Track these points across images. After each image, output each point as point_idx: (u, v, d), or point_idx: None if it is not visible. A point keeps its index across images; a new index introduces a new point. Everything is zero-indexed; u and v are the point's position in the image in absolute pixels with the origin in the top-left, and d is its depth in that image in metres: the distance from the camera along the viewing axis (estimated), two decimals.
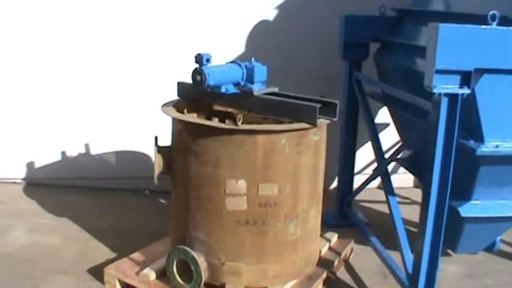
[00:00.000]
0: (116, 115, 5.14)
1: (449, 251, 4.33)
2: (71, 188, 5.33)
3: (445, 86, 3.06)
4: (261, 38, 5.20)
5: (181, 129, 3.48)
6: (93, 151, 5.31)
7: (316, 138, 3.46)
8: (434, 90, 3.06)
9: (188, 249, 3.46)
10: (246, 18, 5.16)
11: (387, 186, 4.06)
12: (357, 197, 4.92)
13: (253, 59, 3.61)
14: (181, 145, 3.49)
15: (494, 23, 3.04)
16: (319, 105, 3.29)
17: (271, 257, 3.47)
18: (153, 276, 3.61)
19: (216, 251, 3.45)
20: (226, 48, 4.97)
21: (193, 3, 5.06)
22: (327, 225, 4.52)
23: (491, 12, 3.03)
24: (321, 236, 4.13)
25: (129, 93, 5.05)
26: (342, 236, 4.30)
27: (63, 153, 5.32)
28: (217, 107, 3.85)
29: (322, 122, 3.41)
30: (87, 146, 5.28)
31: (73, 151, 5.32)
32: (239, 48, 5.18)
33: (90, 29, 5.02)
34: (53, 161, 5.34)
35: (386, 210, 3.99)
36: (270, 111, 3.52)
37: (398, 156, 4.62)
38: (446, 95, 3.08)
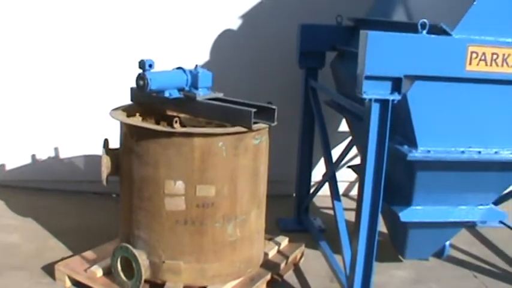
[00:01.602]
0: (84, 120, 5.37)
1: (401, 258, 4.50)
2: (39, 190, 5.57)
3: (375, 92, 3.26)
4: (224, 46, 5.45)
5: (126, 132, 3.72)
6: (62, 155, 5.55)
7: (255, 142, 3.67)
8: (365, 96, 3.26)
9: (130, 247, 3.68)
10: (208, 27, 5.40)
11: (333, 192, 4.25)
12: (324, 204, 5.11)
13: (198, 65, 3.83)
14: (126, 147, 3.72)
15: (424, 31, 3.24)
16: (254, 110, 3.50)
17: (210, 256, 3.68)
18: (100, 273, 3.84)
19: (156, 250, 3.67)
20: (187, 55, 5.19)
21: (155, 11, 5.30)
22: (284, 230, 4.76)
23: (421, 21, 3.24)
24: (271, 239, 4.35)
25: (96, 98, 5.27)
26: (296, 240, 4.49)
27: (32, 156, 5.56)
28: (169, 112, 4.07)
29: (261, 126, 3.62)
30: (56, 149, 5.53)
31: (42, 154, 5.57)
32: (203, 56, 5.43)
33: (56, 34, 5.27)
34: (22, 164, 5.59)
35: (348, 217, 4.15)
36: (211, 115, 3.75)
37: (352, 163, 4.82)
38: (377, 100, 3.29)
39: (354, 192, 4.62)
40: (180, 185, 3.54)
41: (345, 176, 5.40)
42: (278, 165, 5.04)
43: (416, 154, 3.54)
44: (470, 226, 5.33)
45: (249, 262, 3.88)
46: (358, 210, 3.50)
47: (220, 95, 3.88)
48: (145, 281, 3.70)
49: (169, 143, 3.50)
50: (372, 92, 3.26)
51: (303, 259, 4.47)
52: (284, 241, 4.40)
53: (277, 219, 5.07)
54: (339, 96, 4.30)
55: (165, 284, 3.69)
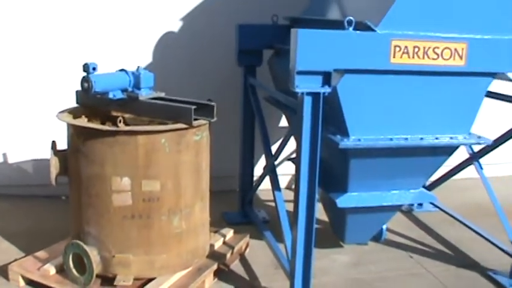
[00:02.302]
0: (31, 124, 5.50)
1: (342, 243, 4.78)
2: None
3: (307, 86, 3.51)
4: (166, 47, 5.66)
5: (72, 133, 3.90)
6: (11, 160, 5.68)
7: (196, 138, 3.90)
8: (297, 90, 3.50)
9: (81, 243, 3.86)
10: (151, 29, 5.60)
11: (274, 183, 4.50)
12: (268, 197, 5.35)
13: (140, 66, 4.03)
14: (73, 148, 3.90)
15: (351, 28, 3.51)
16: (194, 107, 3.73)
17: (158, 248, 3.89)
18: (53, 271, 4.01)
19: (106, 245, 3.86)
20: (131, 57, 5.37)
21: (99, 16, 5.47)
22: (230, 223, 5.00)
23: (347, 18, 3.51)
24: (217, 232, 4.57)
25: (43, 102, 5.40)
26: (242, 232, 4.73)
27: None
28: (114, 113, 4.26)
29: (201, 122, 3.85)
30: (4, 155, 5.65)
31: None
32: (146, 57, 5.63)
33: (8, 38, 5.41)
34: None
35: (290, 208, 4.37)
36: (153, 114, 3.96)
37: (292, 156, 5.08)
38: (309, 93, 3.53)
39: None
40: (126, 181, 3.74)
41: (288, 170, 5.65)
42: (222, 161, 5.32)
43: (347, 143, 3.81)
44: (407, 211, 5.66)
45: (196, 253, 4.10)
46: (296, 199, 3.74)
47: (162, 94, 4.09)
48: (97, 276, 3.88)
49: (114, 141, 3.69)
50: (304, 85, 3.50)
51: (248, 249, 4.71)
52: (229, 233, 4.63)
53: (222, 213, 5.31)
54: (275, 92, 4.57)
55: (116, 277, 3.87)
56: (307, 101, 3.55)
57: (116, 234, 3.83)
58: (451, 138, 4.00)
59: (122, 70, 4.00)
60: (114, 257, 3.85)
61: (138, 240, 3.84)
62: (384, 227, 4.80)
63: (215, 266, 4.18)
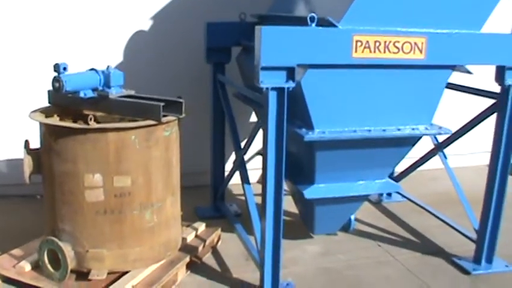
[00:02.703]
0: (4, 124, 5.61)
1: (312, 234, 4.95)
2: None
3: (272, 81, 3.65)
4: (137, 46, 5.79)
5: (45, 132, 4.01)
6: None
7: (165, 134, 4.03)
8: (262, 85, 3.64)
9: (56, 239, 3.98)
10: (122, 29, 5.72)
11: (243, 177, 4.64)
12: (240, 191, 5.48)
13: (109, 65, 4.15)
14: (46, 146, 4.01)
15: (313, 24, 3.66)
16: (162, 104, 3.86)
17: (131, 242, 4.01)
18: (28, 267, 4.11)
19: (80, 240, 3.98)
20: (103, 56, 5.50)
21: (71, 18, 5.58)
22: (202, 217, 5.14)
23: (310, 15, 3.65)
24: (189, 225, 4.71)
25: (15, 102, 5.51)
26: (214, 226, 4.87)
27: None
28: (86, 111, 4.36)
29: (169, 119, 3.99)
30: None
31: None
32: (118, 57, 5.75)
33: None
34: None
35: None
36: (123, 111, 4.07)
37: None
38: (273, 88, 3.68)
39: None
40: (98, 178, 3.85)
41: (259, 164, 5.77)
42: (195, 157, 5.49)
43: (312, 135, 3.96)
44: (377, 202, 5.84)
45: (168, 246, 4.23)
46: (264, 191, 3.88)
47: (132, 92, 4.21)
48: (72, 271, 3.99)
49: (85, 139, 3.81)
50: (268, 81, 3.64)
51: (220, 242, 4.85)
52: (201, 226, 4.77)
53: (195, 207, 5.44)
54: (243, 88, 4.71)
55: (90, 272, 3.99)
56: (272, 96, 3.69)
57: (89, 230, 3.95)
58: (413, 129, 4.17)
59: (92, 69, 4.10)
60: (88, 252, 3.97)
61: (111, 235, 3.96)
62: (352, 217, 4.97)
63: (188, 259, 4.32)
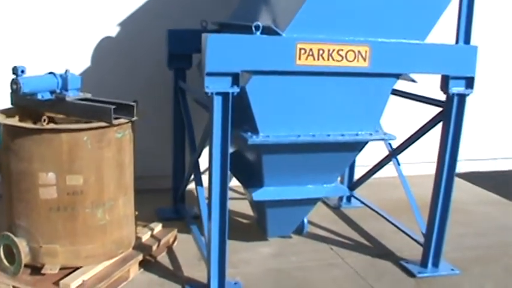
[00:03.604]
0: None
1: (267, 237, 5.22)
2: None
3: (217, 86, 3.91)
4: (103, 52, 6.07)
5: (3, 132, 4.27)
6: None
7: (118, 136, 4.29)
8: (207, 90, 3.90)
9: (11, 235, 4.23)
10: (88, 35, 6.02)
11: (196, 179, 4.90)
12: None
13: (68, 69, 4.42)
14: (4, 145, 4.26)
15: (258, 32, 3.93)
16: (113, 107, 4.13)
17: (83, 239, 4.27)
18: None
19: (35, 236, 4.23)
20: (69, 60, 5.68)
21: (35, 23, 5.85)
22: (163, 219, 5.40)
23: (255, 23, 3.91)
24: (146, 226, 4.97)
25: None
26: (173, 227, 5.14)
27: None
28: (47, 113, 4.63)
29: (121, 121, 4.25)
30: None
31: None
32: (85, 62, 6.04)
33: None
34: None
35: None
36: (79, 114, 4.34)
37: None
38: (218, 93, 3.93)
39: (234, 182, 5.29)
40: (51, 176, 4.11)
41: None
42: (158, 161, 5.74)
43: (256, 139, 4.22)
44: (336, 207, 6.10)
45: (120, 244, 4.49)
46: (210, 193, 4.12)
47: (89, 95, 4.48)
48: (26, 265, 4.24)
49: (40, 139, 4.07)
50: (214, 86, 3.89)
51: (176, 242, 5.11)
52: (158, 227, 5.03)
53: (156, 209, 5.71)
54: (199, 93, 4.94)
55: (43, 267, 4.25)
56: (217, 101, 3.94)
57: (43, 226, 4.20)
58: (357, 134, 4.43)
59: (50, 73, 4.38)
60: (41, 248, 4.22)
61: (64, 232, 4.22)
62: (306, 220, 5.21)
63: (140, 257, 4.57)
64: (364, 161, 5.98)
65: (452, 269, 4.83)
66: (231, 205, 5.46)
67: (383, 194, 6.36)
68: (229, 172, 4.08)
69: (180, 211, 5.65)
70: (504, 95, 7.89)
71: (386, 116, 5.71)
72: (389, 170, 5.67)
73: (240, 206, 5.83)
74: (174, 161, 5.68)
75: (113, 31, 6.07)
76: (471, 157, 7.71)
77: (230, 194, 4.85)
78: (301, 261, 4.93)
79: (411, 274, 4.75)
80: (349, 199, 6.23)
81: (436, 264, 4.82)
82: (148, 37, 6.03)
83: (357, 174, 6.05)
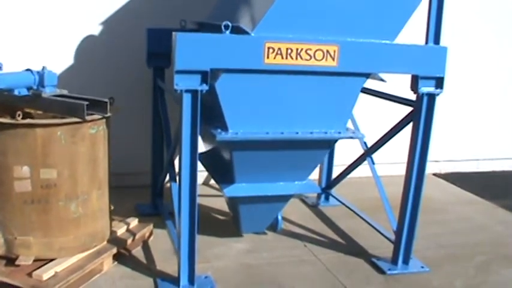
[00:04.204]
0: None
1: (242, 233, 5.38)
2: None
3: (186, 84, 4.07)
4: (85, 51, 6.24)
5: None
6: None
7: (92, 131, 4.45)
8: (176, 88, 4.06)
9: None
10: (72, 33, 6.18)
11: (170, 176, 5.06)
12: None
13: (45, 66, 4.59)
14: None
15: (227, 31, 4.08)
16: (86, 103, 4.29)
17: (56, 231, 4.43)
18: None
19: (9, 228, 4.40)
20: (53, 58, 5.84)
21: (17, 14, 6.00)
22: (142, 214, 5.57)
23: (224, 23, 4.07)
24: (122, 220, 5.13)
25: None
26: (152, 222, 5.32)
27: None
28: (27, 109, 4.79)
29: (95, 117, 4.41)
30: None
31: None
32: (68, 59, 6.21)
33: None
34: None
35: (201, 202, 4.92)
36: (54, 109, 4.50)
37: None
38: (187, 91, 4.08)
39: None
40: (26, 170, 4.27)
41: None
42: (139, 158, 5.90)
43: (224, 136, 4.37)
44: (314, 206, 6.25)
45: (94, 236, 4.65)
46: (179, 188, 4.28)
47: (65, 92, 4.65)
48: (2, 257, 4.42)
49: (15, 133, 4.24)
50: (183, 84, 4.05)
51: (152, 237, 5.27)
52: (134, 221, 5.19)
53: (135, 205, 5.88)
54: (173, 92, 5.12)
55: (18, 258, 4.41)
56: (187, 98, 4.10)
57: (17, 218, 4.37)
58: (326, 133, 4.57)
59: (27, 70, 4.54)
60: (16, 239, 4.39)
61: (37, 224, 4.38)
62: (280, 216, 5.36)
63: (114, 250, 4.73)
64: (343, 160, 6.11)
65: (422, 267, 4.97)
66: (209, 202, 5.73)
67: (363, 193, 6.49)
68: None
69: (158, 207, 5.81)
70: (486, 96, 8.05)
71: (364, 115, 5.94)
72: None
73: (218, 202, 5.99)
74: (153, 158, 5.85)
75: (96, 29, 6.24)
76: (453, 158, 7.88)
77: (209, 191, 5.06)
78: (273, 257, 5.08)
79: (381, 271, 4.90)
80: (327, 197, 6.38)
81: (406, 261, 4.96)
82: (132, 35, 6.16)
83: (337, 174, 6.18)
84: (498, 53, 7.92)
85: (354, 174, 5.98)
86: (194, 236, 4.35)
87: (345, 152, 6.19)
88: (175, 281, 4.45)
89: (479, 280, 4.87)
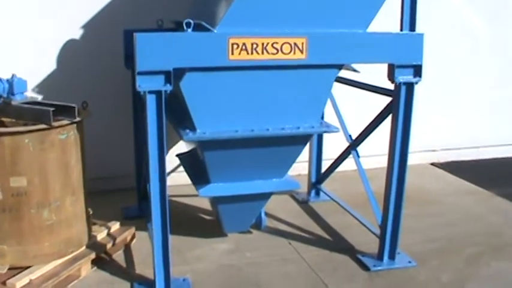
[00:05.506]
0: None
1: (226, 233, 5.40)
2: None
3: (149, 85, 4.07)
4: (64, 56, 6.28)
5: None
6: None
7: (61, 137, 4.49)
8: (139, 89, 4.07)
9: None
10: (50, 37, 6.20)
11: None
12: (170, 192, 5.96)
13: (14, 74, 4.64)
14: None
15: (190, 29, 4.08)
16: (52, 109, 4.32)
17: (30, 239, 4.49)
18: None
19: None
20: (31, 63, 5.97)
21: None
22: (127, 217, 5.62)
23: (186, 21, 4.08)
24: (103, 224, 5.16)
25: None
26: (137, 225, 5.39)
27: None
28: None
29: (62, 123, 4.44)
30: None
31: None
32: (50, 65, 6.23)
33: None
34: None
35: (189, 202, 4.98)
36: (24, 117, 4.55)
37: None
38: (151, 92, 4.09)
39: None
40: None
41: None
42: (124, 161, 5.92)
43: (192, 135, 4.38)
44: (304, 202, 6.22)
45: (70, 243, 4.69)
46: (149, 190, 4.31)
47: (38, 99, 4.73)
48: None
49: None
50: (146, 85, 4.06)
51: (135, 240, 5.31)
52: (115, 225, 5.23)
53: (121, 208, 5.92)
54: None
55: None
56: (151, 99, 4.10)
57: None
58: (298, 128, 4.55)
59: None
60: None
61: (10, 232, 4.45)
62: (263, 214, 5.35)
63: (93, 255, 4.78)
64: (332, 154, 6.05)
65: (409, 261, 4.94)
66: (197, 202, 5.68)
67: (355, 187, 6.41)
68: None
69: (144, 209, 5.83)
70: (482, 83, 7.93)
71: (350, 107, 5.89)
72: (364, 162, 5.73)
73: (205, 202, 5.96)
74: (136, 160, 5.88)
75: (76, 33, 6.29)
76: (451, 146, 7.77)
77: (194, 191, 5.06)
78: (256, 257, 5.09)
79: (366, 268, 4.88)
80: (317, 193, 6.36)
81: (392, 256, 4.93)
82: (112, 36, 6.17)
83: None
84: (491, 34, 7.81)
85: (348, 167, 5.96)
86: (167, 238, 4.37)
87: (335, 146, 6.12)
88: (152, 284, 4.47)
89: (467, 273, 4.82)
